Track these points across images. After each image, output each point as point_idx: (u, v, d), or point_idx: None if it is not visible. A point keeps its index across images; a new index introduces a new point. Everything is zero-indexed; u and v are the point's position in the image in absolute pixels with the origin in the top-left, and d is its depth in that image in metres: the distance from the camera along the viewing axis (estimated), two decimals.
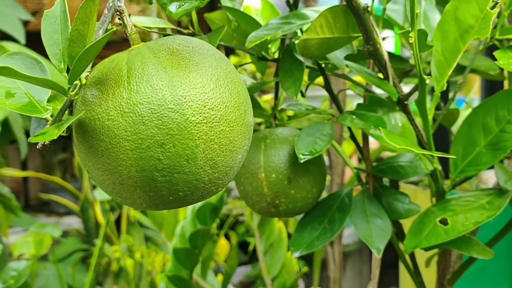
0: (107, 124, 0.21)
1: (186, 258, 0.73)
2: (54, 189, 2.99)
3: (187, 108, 0.21)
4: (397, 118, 0.41)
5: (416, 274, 0.53)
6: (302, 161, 0.38)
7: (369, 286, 0.46)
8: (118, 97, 0.21)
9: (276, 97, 0.46)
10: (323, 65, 0.42)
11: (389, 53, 0.45)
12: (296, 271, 0.97)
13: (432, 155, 0.38)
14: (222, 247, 1.75)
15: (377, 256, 0.39)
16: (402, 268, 1.21)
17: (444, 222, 0.39)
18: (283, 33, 0.36)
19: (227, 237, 1.90)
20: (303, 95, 0.45)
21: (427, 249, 0.39)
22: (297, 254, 0.41)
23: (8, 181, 3.06)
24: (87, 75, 0.22)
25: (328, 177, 0.67)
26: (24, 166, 3.25)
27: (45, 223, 1.12)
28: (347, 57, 0.41)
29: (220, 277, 1.54)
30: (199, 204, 0.74)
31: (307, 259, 1.78)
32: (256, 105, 0.47)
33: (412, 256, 0.52)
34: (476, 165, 0.41)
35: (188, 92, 0.21)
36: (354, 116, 0.39)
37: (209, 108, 0.22)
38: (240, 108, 0.23)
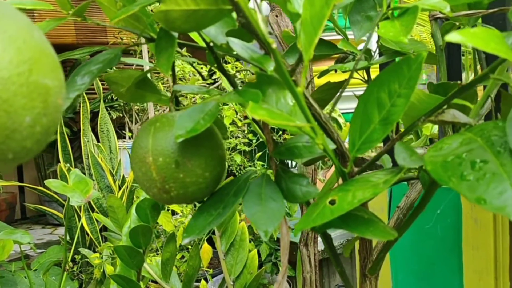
0: None
1: (129, 257, 0.72)
2: (49, 201, 3.00)
3: None
4: (288, 96, 0.40)
5: (336, 264, 0.51)
6: (178, 140, 0.36)
7: (279, 275, 0.44)
8: None
9: (174, 81, 0.45)
10: (211, 44, 0.41)
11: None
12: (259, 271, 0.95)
13: (316, 132, 0.36)
14: (205, 251, 1.73)
15: (264, 238, 0.37)
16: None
17: (333, 202, 0.37)
18: (149, 3, 0.34)
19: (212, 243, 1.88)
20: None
21: (316, 230, 0.37)
22: (186, 241, 0.40)
23: (2, 193, 3.08)
24: None
25: None
26: (20, 179, 3.27)
27: (14, 230, 1.11)
28: (230, 33, 0.39)
29: (203, 283, 1.52)
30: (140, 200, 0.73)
31: (291, 262, 1.76)
32: (153, 90, 0.46)
33: (331, 244, 0.50)
34: (369, 142, 0.39)
35: None
36: (234, 93, 0.37)
37: None
38: (20, 66, 0.22)
